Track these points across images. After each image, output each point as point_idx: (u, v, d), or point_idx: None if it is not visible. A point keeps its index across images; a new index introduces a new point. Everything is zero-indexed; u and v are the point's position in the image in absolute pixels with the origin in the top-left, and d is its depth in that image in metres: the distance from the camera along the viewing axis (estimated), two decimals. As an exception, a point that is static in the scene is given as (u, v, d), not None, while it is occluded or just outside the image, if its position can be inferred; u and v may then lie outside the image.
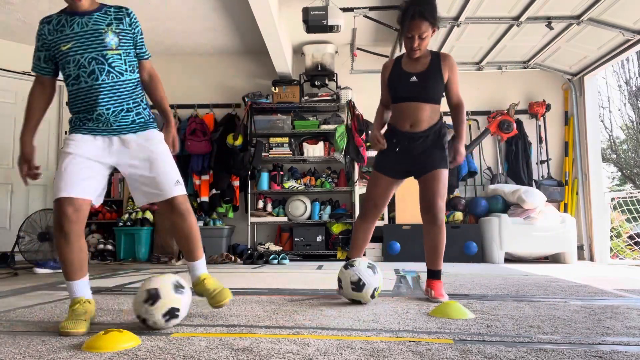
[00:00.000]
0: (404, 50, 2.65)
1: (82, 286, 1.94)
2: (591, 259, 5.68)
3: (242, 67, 6.52)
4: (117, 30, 1.96)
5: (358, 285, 2.35)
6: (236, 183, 6.03)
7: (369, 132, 5.91)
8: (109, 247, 5.76)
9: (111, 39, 1.93)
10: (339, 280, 2.45)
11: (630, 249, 6.01)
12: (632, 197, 5.94)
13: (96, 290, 2.99)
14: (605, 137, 14.62)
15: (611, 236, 5.89)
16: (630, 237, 6.00)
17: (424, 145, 2.58)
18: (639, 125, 14.40)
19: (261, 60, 6.33)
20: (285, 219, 5.95)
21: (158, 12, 5.12)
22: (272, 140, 5.97)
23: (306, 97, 6.05)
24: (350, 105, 5.84)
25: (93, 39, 1.91)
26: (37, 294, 2.91)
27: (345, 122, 5.89)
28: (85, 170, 1.90)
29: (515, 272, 4.19)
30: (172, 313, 1.80)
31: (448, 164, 2.61)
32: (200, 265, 2.15)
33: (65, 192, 1.83)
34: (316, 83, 6.02)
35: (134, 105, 2.00)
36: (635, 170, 14.57)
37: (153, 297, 1.77)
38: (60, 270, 4.60)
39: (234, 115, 6.25)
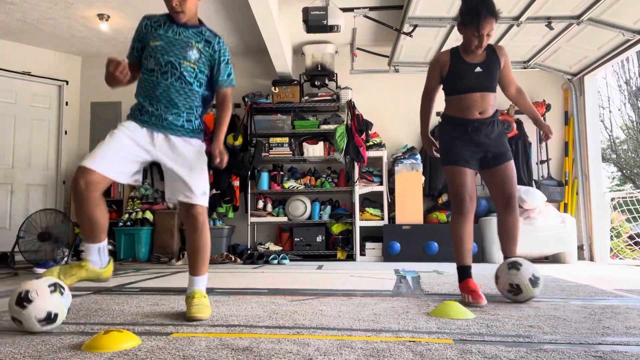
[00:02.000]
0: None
1: (91, 250, 2.09)
2: (591, 259, 5.68)
3: (242, 67, 6.51)
4: (202, 50, 2.17)
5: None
6: (236, 183, 6.03)
7: (368, 132, 5.92)
8: (109, 247, 5.71)
9: (193, 54, 2.15)
10: (516, 287, 2.44)
11: (630, 249, 6.01)
12: (632, 197, 5.94)
13: (96, 290, 3.00)
14: (605, 137, 14.62)
15: (611, 236, 5.88)
16: (630, 237, 6.00)
17: (494, 131, 2.61)
18: (639, 125, 14.39)
19: (261, 60, 6.32)
20: (285, 219, 5.94)
21: (158, 12, 5.11)
22: (272, 140, 5.97)
23: (306, 97, 6.05)
24: (350, 105, 5.84)
25: (179, 47, 2.14)
26: (37, 294, 2.90)
27: (345, 122, 5.88)
28: (121, 152, 2.04)
29: (515, 272, 4.18)
30: (49, 318, 1.76)
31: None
32: (198, 281, 2.18)
33: (88, 163, 1.97)
34: (316, 83, 6.02)
35: (188, 112, 2.18)
36: (635, 170, 14.56)
37: (25, 300, 1.73)
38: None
39: (234, 115, 6.24)
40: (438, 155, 2.69)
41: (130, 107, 2.19)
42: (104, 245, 2.14)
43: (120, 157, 2.04)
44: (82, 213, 2.02)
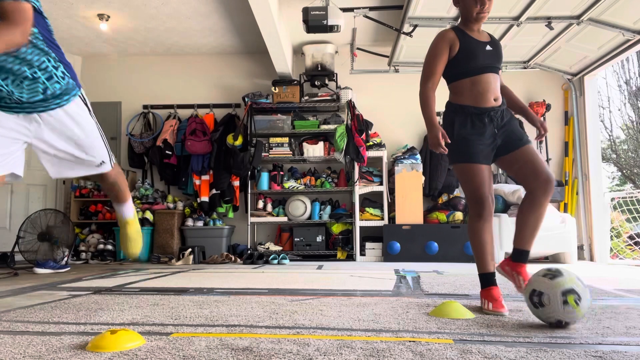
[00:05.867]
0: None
1: None
2: (591, 259, 5.68)
3: (242, 67, 6.52)
4: None
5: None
6: (236, 183, 6.03)
7: (368, 132, 5.92)
8: (109, 247, 5.76)
9: None
10: (541, 294, 1.86)
11: (630, 249, 6.01)
12: (632, 197, 5.94)
13: (96, 290, 2.99)
14: (605, 137, 14.62)
15: (611, 236, 5.89)
16: (630, 237, 6.00)
17: (509, 116, 2.37)
18: (639, 125, 14.39)
19: (261, 60, 6.33)
20: (285, 219, 5.95)
21: (158, 13, 5.12)
22: (272, 140, 5.97)
23: (306, 97, 6.05)
24: (350, 105, 5.84)
25: None
26: (37, 294, 2.91)
27: (345, 122, 5.89)
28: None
29: (515, 272, 4.18)
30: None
31: None
32: (127, 207, 2.23)
33: None
34: (316, 83, 6.02)
35: (43, 74, 1.81)
36: (635, 170, 14.56)
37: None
38: (60, 270, 4.59)
39: (234, 115, 6.25)
40: (445, 151, 2.27)
41: None
42: None
43: None
44: None
